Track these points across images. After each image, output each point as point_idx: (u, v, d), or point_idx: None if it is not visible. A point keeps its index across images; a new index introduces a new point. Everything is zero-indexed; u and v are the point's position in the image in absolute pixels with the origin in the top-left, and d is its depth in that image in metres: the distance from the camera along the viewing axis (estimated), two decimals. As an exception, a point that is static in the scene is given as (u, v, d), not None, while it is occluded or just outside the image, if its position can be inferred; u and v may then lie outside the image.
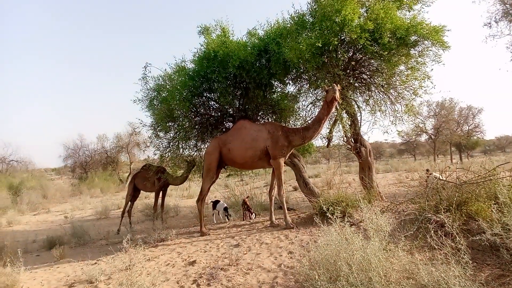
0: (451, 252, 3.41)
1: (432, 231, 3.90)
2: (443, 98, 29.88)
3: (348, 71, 7.80)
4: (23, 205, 17.47)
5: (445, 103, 29.72)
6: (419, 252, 4.22)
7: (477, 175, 5.53)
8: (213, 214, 9.51)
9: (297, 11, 7.88)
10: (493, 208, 4.36)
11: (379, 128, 8.26)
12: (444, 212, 4.61)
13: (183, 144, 9.52)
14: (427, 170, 8.30)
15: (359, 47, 7.32)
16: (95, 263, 6.36)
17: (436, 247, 3.65)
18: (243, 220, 8.78)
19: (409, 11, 7.54)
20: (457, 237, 3.64)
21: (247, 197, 9.38)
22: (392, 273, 3.35)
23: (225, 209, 9.15)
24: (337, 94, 6.38)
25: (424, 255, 4.09)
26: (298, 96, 9.11)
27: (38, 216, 15.57)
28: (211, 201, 9.83)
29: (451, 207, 4.88)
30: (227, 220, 9.03)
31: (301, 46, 6.64)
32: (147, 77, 9.08)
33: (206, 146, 9.18)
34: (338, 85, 6.62)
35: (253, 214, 8.94)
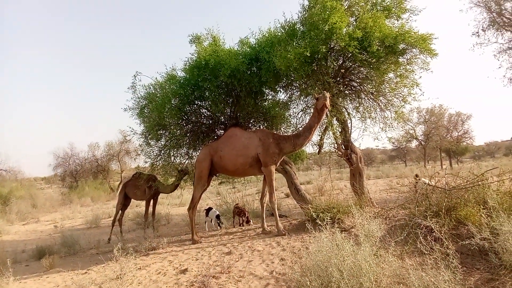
0: (441, 257, 3.46)
1: (422, 236, 3.95)
2: (433, 104, 30.23)
3: (338, 78, 7.90)
4: (12, 214, 17.12)
5: (435, 110, 30.09)
6: (409, 257, 4.27)
7: (465, 181, 5.61)
8: (205, 222, 9.45)
9: (288, 20, 7.96)
10: (482, 213, 4.44)
11: (369, 134, 8.37)
12: (433, 217, 4.67)
13: (174, 152, 9.46)
14: (416, 175, 8.38)
15: (349, 55, 7.43)
16: (86, 272, 6.28)
17: (426, 252, 3.69)
18: (234, 227, 8.77)
19: (397, 20, 7.67)
20: (446, 242, 3.69)
21: (237, 204, 9.38)
22: (382, 278, 3.38)
23: (217, 216, 9.12)
24: (328, 102, 6.46)
25: (414, 260, 4.12)
26: (289, 103, 9.17)
27: (28, 226, 15.31)
28: (205, 209, 9.79)
29: (440, 212, 4.95)
30: (219, 227, 9.00)
31: (289, 55, 6.71)
32: (136, 86, 9.05)
33: (198, 153, 9.15)
34: (328, 92, 6.69)
35: (250, 221, 8.95)
